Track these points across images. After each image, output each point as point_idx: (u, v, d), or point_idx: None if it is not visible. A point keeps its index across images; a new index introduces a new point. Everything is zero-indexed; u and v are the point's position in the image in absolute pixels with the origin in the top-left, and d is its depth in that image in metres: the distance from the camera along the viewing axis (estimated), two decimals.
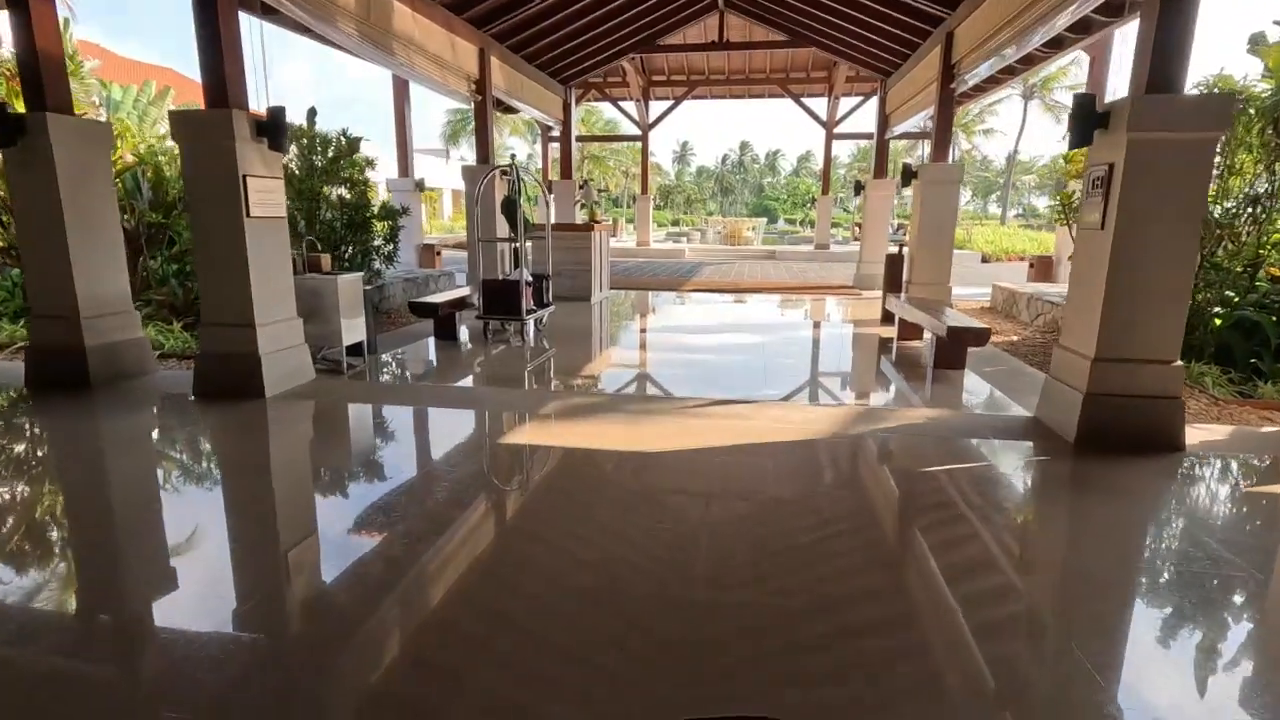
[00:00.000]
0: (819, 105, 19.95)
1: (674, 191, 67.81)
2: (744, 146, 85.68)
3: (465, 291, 6.98)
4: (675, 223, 49.55)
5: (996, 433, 3.95)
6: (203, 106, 4.31)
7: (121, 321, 4.94)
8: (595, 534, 2.74)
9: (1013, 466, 3.61)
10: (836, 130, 19.97)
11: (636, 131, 20.71)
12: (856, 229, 24.14)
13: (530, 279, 6.66)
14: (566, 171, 12.39)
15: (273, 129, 4.39)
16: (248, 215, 4.32)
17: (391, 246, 8.40)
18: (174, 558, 2.55)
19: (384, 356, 6.03)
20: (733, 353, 6.47)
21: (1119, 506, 3.05)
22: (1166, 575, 2.46)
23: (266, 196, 4.46)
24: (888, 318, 7.69)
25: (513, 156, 6.56)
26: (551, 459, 3.56)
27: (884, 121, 11.14)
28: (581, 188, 12.66)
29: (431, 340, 6.64)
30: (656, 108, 20.56)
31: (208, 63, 4.20)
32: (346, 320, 5.21)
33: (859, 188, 11.43)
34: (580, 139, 22.71)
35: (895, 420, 4.18)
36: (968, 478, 3.34)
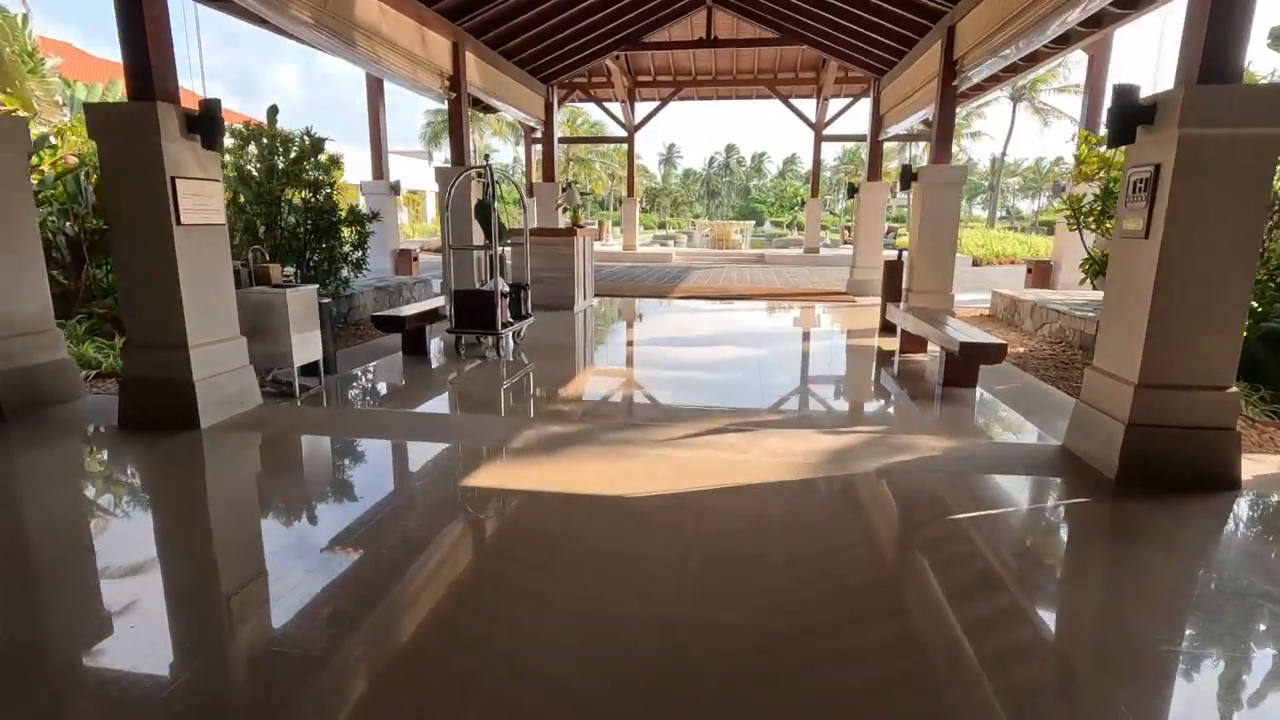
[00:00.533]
0: (807, 107, 19.64)
1: (660, 194, 67.56)
2: (730, 149, 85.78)
3: (437, 303, 6.47)
4: (662, 225, 49.24)
5: (1025, 467, 3.52)
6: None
7: (40, 342, 4.40)
8: (553, 619, 2.26)
9: (1050, 509, 3.17)
10: (825, 132, 19.63)
11: (622, 133, 20.28)
12: (846, 232, 23.86)
13: (507, 289, 6.17)
14: (549, 174, 11.92)
15: (207, 124, 3.88)
16: (178, 223, 3.80)
17: (360, 253, 7.88)
18: (66, 628, 2.04)
19: (346, 375, 5.51)
20: (724, 369, 6.01)
21: (1179, 559, 2.62)
22: (1244, 644, 2.03)
23: (201, 201, 3.95)
24: (888, 328, 7.27)
25: (486, 157, 6.08)
26: (517, 507, 3.08)
27: (878, 122, 10.76)
28: (565, 190, 12.17)
29: (400, 356, 6.13)
30: (642, 109, 20.15)
31: (129, 46, 3.68)
32: (299, 337, 4.70)
33: (852, 190, 11.05)
34: (564, 140, 22.33)
35: (909, 451, 3.74)
36: (1001, 526, 2.90)
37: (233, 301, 4.27)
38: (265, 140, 7.00)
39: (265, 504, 3.25)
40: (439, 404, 5.05)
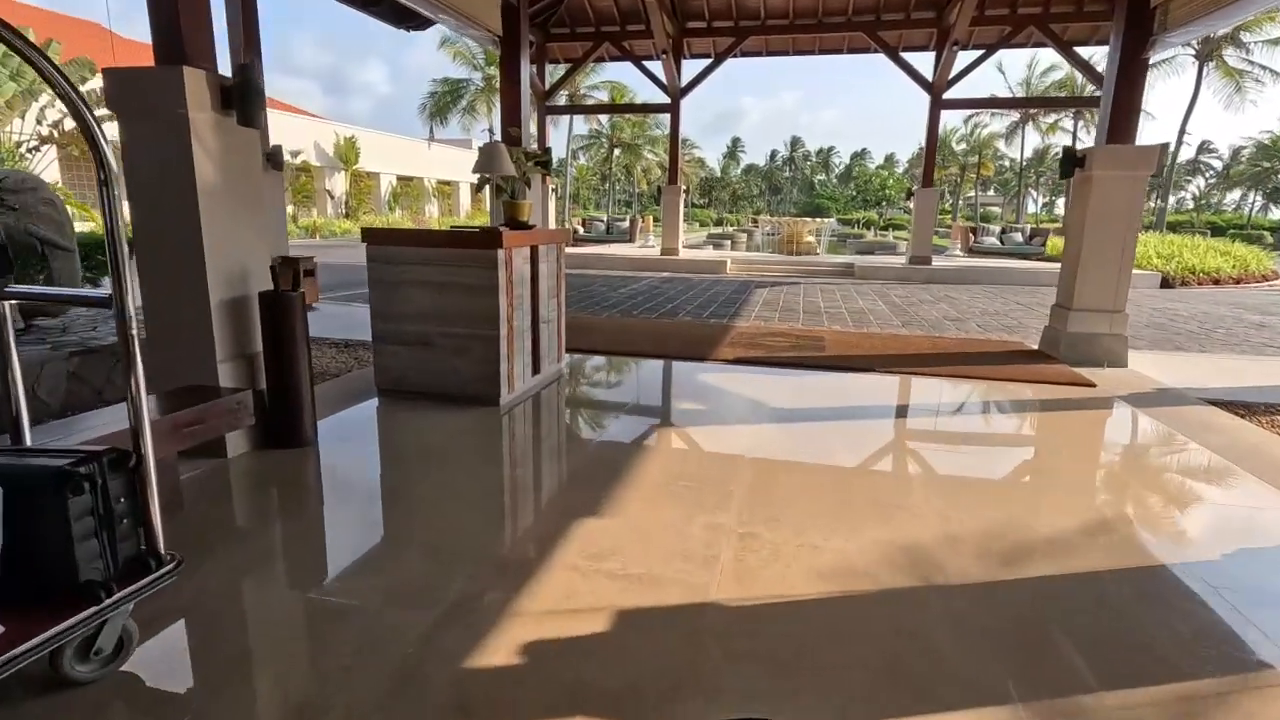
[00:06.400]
0: (921, 62, 14.26)
1: (719, 186, 62.10)
2: (795, 143, 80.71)
3: None
4: (719, 222, 43.97)
5: None
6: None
7: None
8: None
9: None
10: (947, 96, 14.09)
11: (664, 99, 15.22)
12: (967, 235, 18.09)
13: None
14: (512, 128, 6.98)
15: None
16: None
17: None
18: None
19: None
20: None
21: None
22: None
23: None
24: None
25: None
26: None
27: (1146, 24, 5.45)
28: (490, 149, 7.27)
29: None
30: (692, 69, 15.07)
31: None
32: None
33: (1070, 163, 5.77)
34: (550, 110, 17.37)
35: None
36: None
37: None
38: None
39: None
40: None
